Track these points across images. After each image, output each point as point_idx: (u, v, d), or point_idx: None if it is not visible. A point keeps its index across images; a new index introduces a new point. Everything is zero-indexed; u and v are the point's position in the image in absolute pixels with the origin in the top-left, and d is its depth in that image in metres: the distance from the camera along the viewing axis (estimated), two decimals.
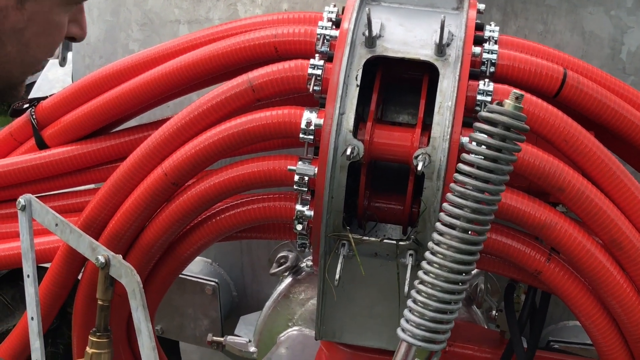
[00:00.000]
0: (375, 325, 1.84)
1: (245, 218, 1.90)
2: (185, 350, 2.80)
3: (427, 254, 1.53)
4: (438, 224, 1.53)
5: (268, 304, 2.28)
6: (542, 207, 1.75)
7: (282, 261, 2.32)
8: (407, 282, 1.73)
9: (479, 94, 1.73)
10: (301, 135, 1.75)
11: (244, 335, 2.36)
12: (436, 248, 1.52)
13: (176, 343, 2.74)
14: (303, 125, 1.74)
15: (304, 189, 1.77)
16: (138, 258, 1.91)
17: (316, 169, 1.74)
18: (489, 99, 1.72)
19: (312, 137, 1.75)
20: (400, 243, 1.76)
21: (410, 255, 1.75)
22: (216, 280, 2.45)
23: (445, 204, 1.52)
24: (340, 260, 1.75)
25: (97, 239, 1.84)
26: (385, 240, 1.76)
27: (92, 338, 1.68)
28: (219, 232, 1.93)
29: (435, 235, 1.53)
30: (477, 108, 1.73)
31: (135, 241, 1.92)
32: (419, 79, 1.82)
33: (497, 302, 2.25)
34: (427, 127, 1.74)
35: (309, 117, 1.74)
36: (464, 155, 1.51)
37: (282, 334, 2.25)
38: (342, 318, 1.84)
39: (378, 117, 1.82)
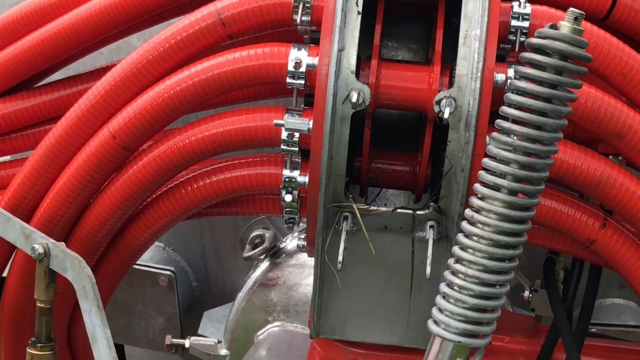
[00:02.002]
0: (386, 317, 1.80)
1: (218, 190, 1.85)
2: (131, 354, 2.75)
3: (465, 225, 1.50)
4: (478, 186, 1.49)
5: (241, 295, 2.23)
6: (597, 160, 1.72)
7: (257, 242, 2.28)
8: (428, 260, 1.69)
9: (512, 18, 1.68)
10: (288, 80, 1.70)
11: (210, 334, 2.32)
12: (477, 217, 1.47)
13: (121, 348, 2.69)
14: (291, 67, 1.69)
15: (294, 149, 1.73)
16: (80, 247, 1.87)
17: (310, 122, 1.68)
18: (526, 24, 1.68)
19: (302, 81, 1.70)
20: (418, 212, 1.71)
21: (431, 227, 1.71)
22: (172, 269, 2.39)
23: (486, 160, 1.49)
24: (343, 237, 1.71)
25: None
26: (398, 210, 1.72)
27: (31, 350, 1.68)
28: (185, 209, 1.89)
29: (475, 200, 1.49)
30: (511, 37, 1.69)
31: (77, 225, 1.88)
32: (421, 3, 1.78)
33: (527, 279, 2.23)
34: (444, 64, 1.70)
35: (298, 55, 1.69)
36: (510, 95, 1.46)
37: (261, 332, 2.21)
38: (343, 310, 1.81)
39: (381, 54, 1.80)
